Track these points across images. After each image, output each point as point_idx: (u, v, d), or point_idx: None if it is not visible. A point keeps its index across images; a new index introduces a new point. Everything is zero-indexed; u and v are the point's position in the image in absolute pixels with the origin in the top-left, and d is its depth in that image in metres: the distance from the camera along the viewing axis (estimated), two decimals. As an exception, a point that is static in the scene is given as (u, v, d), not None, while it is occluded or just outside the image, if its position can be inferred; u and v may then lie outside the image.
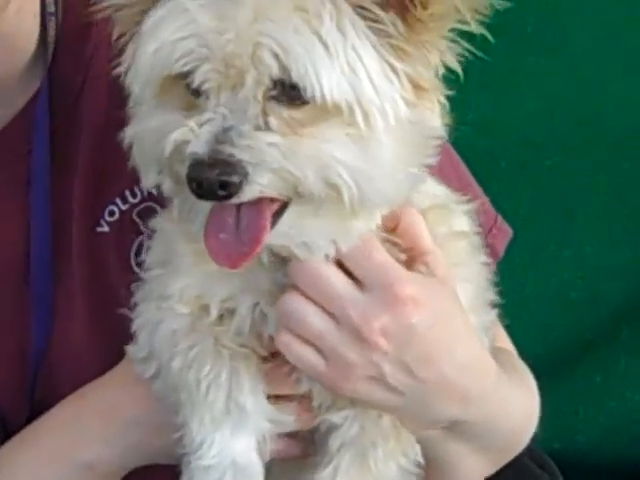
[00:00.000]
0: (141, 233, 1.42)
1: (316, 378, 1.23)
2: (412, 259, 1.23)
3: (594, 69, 2.26)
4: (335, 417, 1.27)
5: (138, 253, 1.42)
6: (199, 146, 1.07)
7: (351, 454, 1.29)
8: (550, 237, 2.22)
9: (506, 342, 1.54)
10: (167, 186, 1.16)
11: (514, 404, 1.41)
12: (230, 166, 1.06)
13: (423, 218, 1.22)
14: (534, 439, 1.73)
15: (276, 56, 1.07)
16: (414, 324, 1.19)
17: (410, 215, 1.22)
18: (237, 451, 1.25)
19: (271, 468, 1.30)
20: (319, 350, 1.22)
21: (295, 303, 1.21)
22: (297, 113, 1.09)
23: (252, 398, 1.23)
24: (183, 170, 1.08)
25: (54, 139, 1.45)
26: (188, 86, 1.11)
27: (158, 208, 1.38)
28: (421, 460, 1.31)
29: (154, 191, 1.33)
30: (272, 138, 1.08)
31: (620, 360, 2.30)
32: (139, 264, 1.38)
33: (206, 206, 1.13)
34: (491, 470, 1.47)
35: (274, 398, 1.27)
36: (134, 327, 1.31)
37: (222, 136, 1.08)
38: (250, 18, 1.08)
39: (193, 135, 1.09)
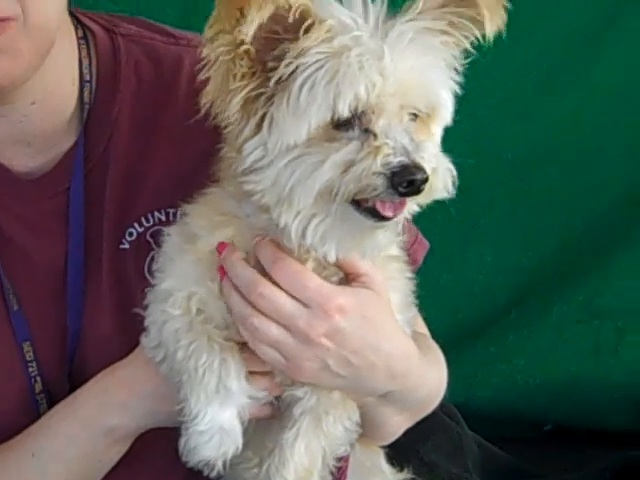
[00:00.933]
0: (152, 249, 1.57)
1: (279, 369, 1.42)
2: (352, 279, 1.40)
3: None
4: (298, 392, 1.46)
5: (150, 265, 1.56)
6: (404, 156, 1.23)
7: (309, 419, 1.47)
8: (458, 244, 2.46)
9: (423, 328, 1.71)
10: (321, 208, 1.28)
11: (429, 376, 1.60)
12: (423, 169, 1.22)
13: None
14: (444, 396, 2.10)
15: (423, 95, 1.26)
16: (344, 327, 1.37)
17: None
18: (224, 419, 1.41)
19: (248, 430, 1.45)
20: (279, 351, 1.40)
21: (257, 321, 1.38)
22: (414, 124, 1.27)
23: (236, 381, 1.40)
24: (354, 188, 1.24)
25: (88, 178, 1.59)
26: (332, 122, 1.24)
27: (165, 230, 1.50)
28: (359, 421, 1.50)
29: (163, 218, 1.57)
30: (431, 148, 1.26)
31: (509, 335, 2.59)
32: (151, 273, 1.53)
33: (336, 225, 1.28)
34: (410, 423, 1.69)
35: (251, 374, 1.44)
36: (146, 323, 1.46)
37: (411, 148, 1.24)
38: (406, 68, 1.24)
39: (393, 151, 1.24)
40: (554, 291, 2.57)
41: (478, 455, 2.41)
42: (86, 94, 1.57)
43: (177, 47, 1.62)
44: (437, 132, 1.32)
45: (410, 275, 1.47)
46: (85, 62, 1.58)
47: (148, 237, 1.59)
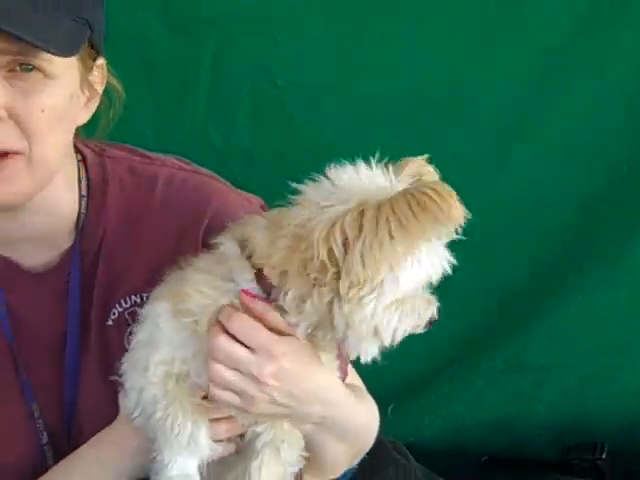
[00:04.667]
0: (129, 325, 1.64)
1: (236, 407, 1.49)
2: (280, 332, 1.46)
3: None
4: (258, 428, 1.53)
5: (128, 339, 1.61)
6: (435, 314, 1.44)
7: (269, 449, 1.54)
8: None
9: (358, 380, 1.73)
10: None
11: (359, 408, 1.65)
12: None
13: None
14: (395, 435, 2.31)
15: None
16: (288, 368, 1.46)
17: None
18: (189, 467, 1.50)
19: (210, 466, 1.52)
20: (233, 391, 1.47)
21: (215, 367, 1.45)
22: None
23: (205, 439, 1.49)
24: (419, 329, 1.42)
25: (84, 269, 1.68)
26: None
27: (138, 310, 1.58)
28: (304, 446, 1.56)
29: (139, 300, 1.64)
30: None
31: (446, 386, 2.75)
32: (130, 344, 1.58)
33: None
34: (351, 459, 1.73)
35: (216, 420, 1.51)
36: (126, 386, 1.53)
37: None
38: None
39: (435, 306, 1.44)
40: (482, 350, 2.73)
41: None
42: (83, 205, 1.68)
43: (152, 166, 1.73)
44: None
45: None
46: (84, 181, 1.69)
47: (126, 315, 1.67)
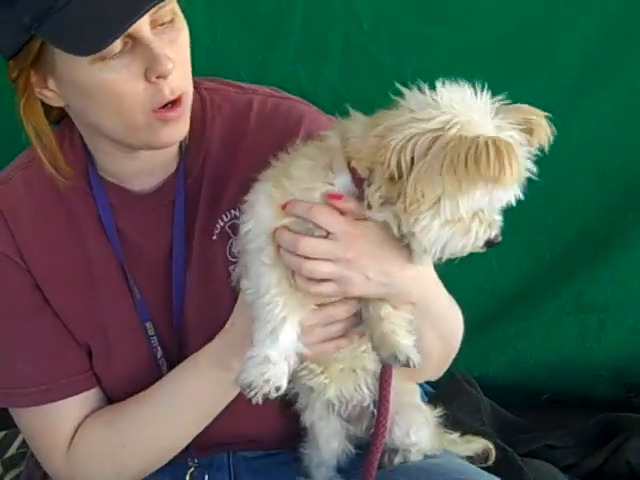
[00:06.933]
0: (230, 238, 1.74)
1: (337, 294, 1.56)
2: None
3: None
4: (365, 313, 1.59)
5: (230, 250, 1.73)
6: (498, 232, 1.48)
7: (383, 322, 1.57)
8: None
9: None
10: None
11: (448, 305, 1.73)
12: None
13: None
14: (465, 368, 2.60)
15: None
16: (372, 246, 1.52)
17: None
18: (271, 354, 1.51)
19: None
20: (330, 281, 1.54)
21: (308, 264, 1.52)
22: None
23: (285, 336, 1.52)
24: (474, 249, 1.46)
25: (187, 192, 1.77)
26: None
27: (237, 222, 1.64)
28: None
29: (237, 214, 1.68)
30: None
31: (513, 325, 2.85)
32: (232, 256, 1.71)
33: None
34: (441, 360, 1.78)
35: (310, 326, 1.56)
36: (247, 271, 1.56)
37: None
38: None
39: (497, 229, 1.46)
40: (548, 289, 2.79)
41: (492, 415, 2.67)
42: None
43: (246, 95, 1.81)
44: None
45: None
46: None
47: (227, 229, 1.76)
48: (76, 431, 1.77)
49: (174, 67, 1.56)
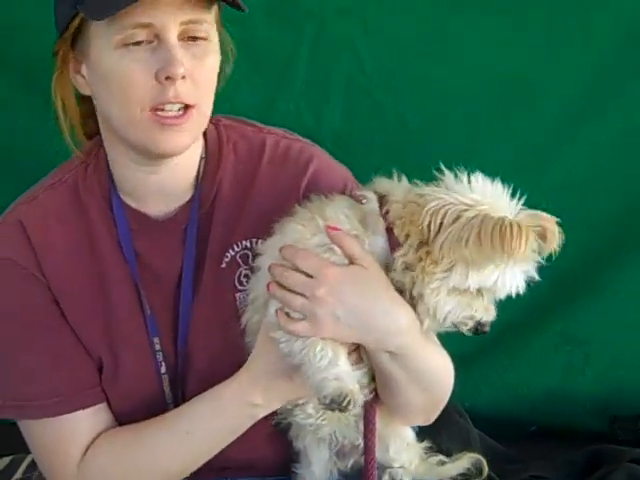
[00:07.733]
0: (240, 267, 1.80)
1: (309, 333, 1.58)
2: (352, 261, 1.60)
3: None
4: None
5: (239, 278, 1.79)
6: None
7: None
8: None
9: (433, 338, 1.75)
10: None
11: (434, 357, 1.72)
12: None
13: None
14: (455, 399, 2.10)
15: None
16: (341, 288, 1.58)
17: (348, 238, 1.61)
18: (338, 371, 1.57)
19: None
20: (304, 318, 1.58)
21: (282, 293, 1.60)
22: None
23: (344, 361, 1.60)
24: (469, 325, 1.56)
25: (199, 221, 1.82)
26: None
27: (250, 254, 1.74)
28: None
29: (249, 245, 1.77)
30: None
31: (502, 359, 2.86)
32: (240, 284, 1.77)
33: None
34: (424, 410, 1.79)
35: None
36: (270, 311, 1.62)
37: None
38: None
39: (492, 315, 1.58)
40: (535, 324, 2.83)
41: (481, 445, 2.62)
42: (202, 164, 1.83)
43: (261, 134, 1.86)
44: None
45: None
46: (203, 143, 1.83)
47: (238, 258, 1.81)
48: (87, 448, 1.78)
49: (186, 77, 1.62)
